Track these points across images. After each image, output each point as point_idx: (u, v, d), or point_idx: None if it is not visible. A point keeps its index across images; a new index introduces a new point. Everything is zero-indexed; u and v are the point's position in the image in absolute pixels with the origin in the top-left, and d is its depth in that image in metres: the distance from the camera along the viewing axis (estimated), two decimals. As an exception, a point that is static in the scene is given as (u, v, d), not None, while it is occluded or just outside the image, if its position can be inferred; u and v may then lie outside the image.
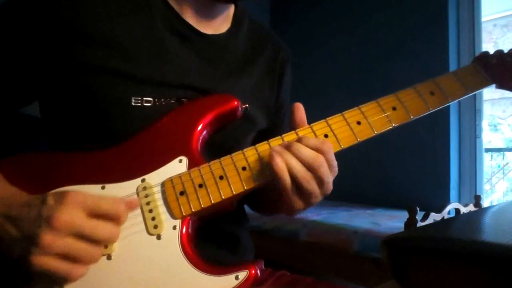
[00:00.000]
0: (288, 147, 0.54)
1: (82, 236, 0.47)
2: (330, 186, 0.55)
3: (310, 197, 0.55)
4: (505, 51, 0.69)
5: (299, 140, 0.55)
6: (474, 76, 0.67)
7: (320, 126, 0.59)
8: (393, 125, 0.60)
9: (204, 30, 0.67)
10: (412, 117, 0.61)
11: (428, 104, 0.62)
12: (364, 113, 0.60)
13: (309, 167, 0.53)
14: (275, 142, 0.57)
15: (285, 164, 0.53)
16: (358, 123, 0.59)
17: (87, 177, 0.56)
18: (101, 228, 0.49)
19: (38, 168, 0.57)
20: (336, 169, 0.56)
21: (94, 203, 0.49)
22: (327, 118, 0.59)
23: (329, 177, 0.55)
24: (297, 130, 0.58)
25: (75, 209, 0.47)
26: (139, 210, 0.54)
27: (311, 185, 0.54)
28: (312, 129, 0.58)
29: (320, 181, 0.54)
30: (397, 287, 0.50)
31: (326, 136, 0.58)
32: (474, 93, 0.66)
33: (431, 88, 0.63)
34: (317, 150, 0.54)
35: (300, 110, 0.59)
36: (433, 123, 2.11)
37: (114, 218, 0.50)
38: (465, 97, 0.65)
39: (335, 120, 0.59)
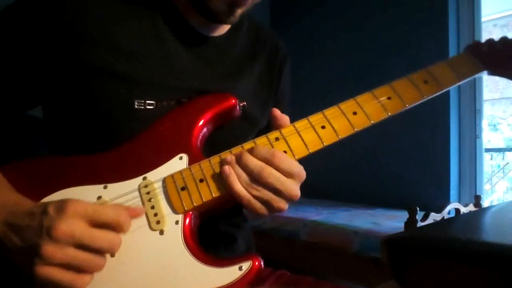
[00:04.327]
0: (238, 158, 0.54)
1: (82, 246, 0.47)
2: (294, 193, 0.54)
3: (269, 204, 0.54)
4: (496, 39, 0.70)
5: (252, 149, 0.55)
6: (466, 64, 0.68)
7: (316, 118, 0.59)
8: (389, 114, 0.61)
9: (207, 32, 0.67)
10: (407, 105, 0.62)
11: (422, 92, 0.63)
12: (359, 103, 0.61)
13: (258, 178, 0.53)
14: (273, 135, 0.58)
15: (235, 175, 0.53)
16: (354, 113, 0.60)
17: (89, 178, 0.56)
18: (101, 237, 0.48)
19: (42, 171, 0.57)
20: (300, 175, 0.55)
21: (95, 211, 0.48)
22: (324, 110, 0.60)
23: (285, 184, 0.54)
24: (294, 123, 0.59)
25: (75, 219, 0.47)
26: (141, 207, 0.55)
27: (264, 194, 0.54)
28: (309, 121, 0.59)
29: (273, 190, 0.54)
30: (397, 287, 0.50)
31: (323, 127, 0.58)
32: (466, 80, 0.67)
33: (425, 77, 0.65)
34: (266, 161, 0.54)
35: (278, 116, 0.58)
36: (433, 123, 2.11)
37: (115, 227, 0.49)
38: (458, 84, 0.66)
39: (332, 111, 0.60)
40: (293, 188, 0.54)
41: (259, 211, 0.55)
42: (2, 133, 0.69)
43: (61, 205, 0.47)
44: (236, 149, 0.57)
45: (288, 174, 0.54)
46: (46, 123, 0.66)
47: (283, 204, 0.55)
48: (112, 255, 0.52)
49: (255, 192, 0.54)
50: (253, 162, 0.54)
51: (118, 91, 0.59)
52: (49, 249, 0.45)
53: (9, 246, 0.49)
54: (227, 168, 0.54)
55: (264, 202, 0.54)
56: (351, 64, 2.47)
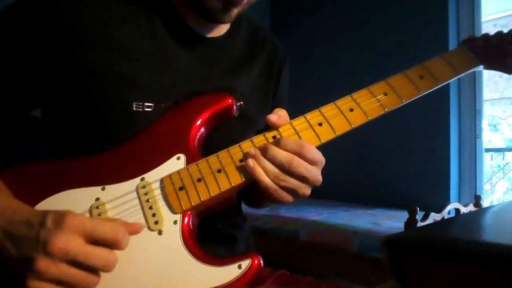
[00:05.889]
0: (264, 151, 0.55)
1: (76, 263, 0.47)
2: (317, 178, 0.56)
3: (295, 192, 0.56)
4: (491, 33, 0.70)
5: (278, 141, 0.56)
6: (462, 58, 0.68)
7: (313, 115, 0.60)
8: (386, 109, 0.61)
9: (206, 33, 0.67)
10: (404, 101, 0.62)
11: (419, 87, 0.63)
12: (356, 100, 0.61)
13: (287, 169, 0.54)
14: (271, 133, 0.58)
15: (261, 168, 0.54)
16: (351, 110, 0.60)
17: (87, 179, 0.56)
18: (96, 255, 0.47)
19: (40, 174, 0.57)
20: (322, 162, 0.57)
21: (93, 228, 0.48)
22: (320, 108, 0.60)
23: (311, 172, 0.56)
24: (291, 120, 0.59)
25: (71, 235, 0.46)
26: (139, 207, 0.55)
27: (292, 183, 0.55)
28: (306, 119, 0.59)
29: (301, 178, 0.55)
30: (397, 287, 0.50)
31: (320, 124, 0.59)
32: (463, 74, 0.67)
33: (420, 72, 0.65)
34: (295, 153, 0.55)
35: (275, 120, 0.59)
36: (433, 123, 2.11)
37: (112, 245, 0.49)
38: (455, 78, 0.66)
39: (328, 109, 0.60)
40: (318, 174, 0.57)
41: (285, 200, 0.56)
42: (2, 134, 0.69)
43: (59, 218, 0.47)
44: (234, 148, 0.57)
45: (313, 162, 0.56)
46: (46, 124, 0.66)
47: (308, 190, 0.57)
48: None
49: (283, 183, 0.55)
50: (281, 154, 0.55)
51: (116, 92, 0.59)
52: (43, 264, 0.45)
53: (4, 254, 0.49)
54: (250, 161, 0.55)
55: (291, 191, 0.56)
56: (351, 64, 2.47)
